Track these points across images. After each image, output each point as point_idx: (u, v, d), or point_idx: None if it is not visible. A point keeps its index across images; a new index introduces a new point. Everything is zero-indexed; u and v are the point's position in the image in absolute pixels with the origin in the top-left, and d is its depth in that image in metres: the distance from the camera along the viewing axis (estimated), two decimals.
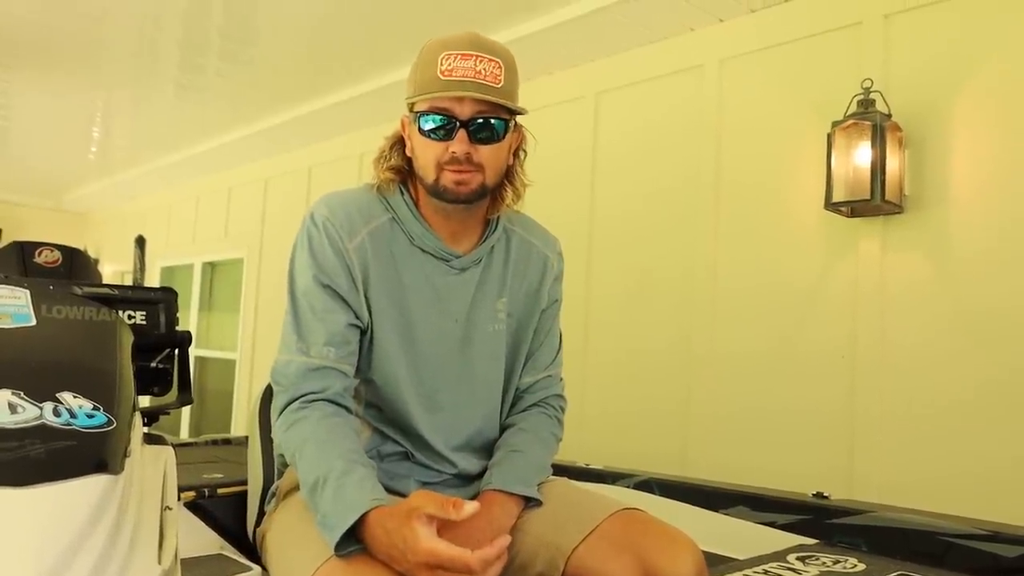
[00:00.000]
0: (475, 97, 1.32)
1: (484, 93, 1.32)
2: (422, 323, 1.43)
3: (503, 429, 1.56)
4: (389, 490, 1.41)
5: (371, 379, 1.42)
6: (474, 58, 1.33)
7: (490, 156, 1.37)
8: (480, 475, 1.48)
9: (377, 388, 1.43)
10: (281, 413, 1.34)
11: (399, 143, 1.45)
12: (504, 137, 1.39)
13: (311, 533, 1.22)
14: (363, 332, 1.41)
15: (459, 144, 1.33)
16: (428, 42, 1.37)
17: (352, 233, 1.38)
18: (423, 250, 1.43)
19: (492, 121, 1.36)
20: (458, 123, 1.33)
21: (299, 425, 1.31)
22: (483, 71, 1.33)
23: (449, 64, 1.32)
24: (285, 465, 1.50)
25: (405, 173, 1.45)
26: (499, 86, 1.34)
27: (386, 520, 1.14)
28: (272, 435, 1.41)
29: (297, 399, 1.33)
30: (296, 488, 1.40)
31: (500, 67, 1.35)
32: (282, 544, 1.36)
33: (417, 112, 1.35)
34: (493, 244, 1.51)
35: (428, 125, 1.34)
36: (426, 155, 1.36)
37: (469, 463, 1.50)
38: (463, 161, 1.34)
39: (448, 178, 1.35)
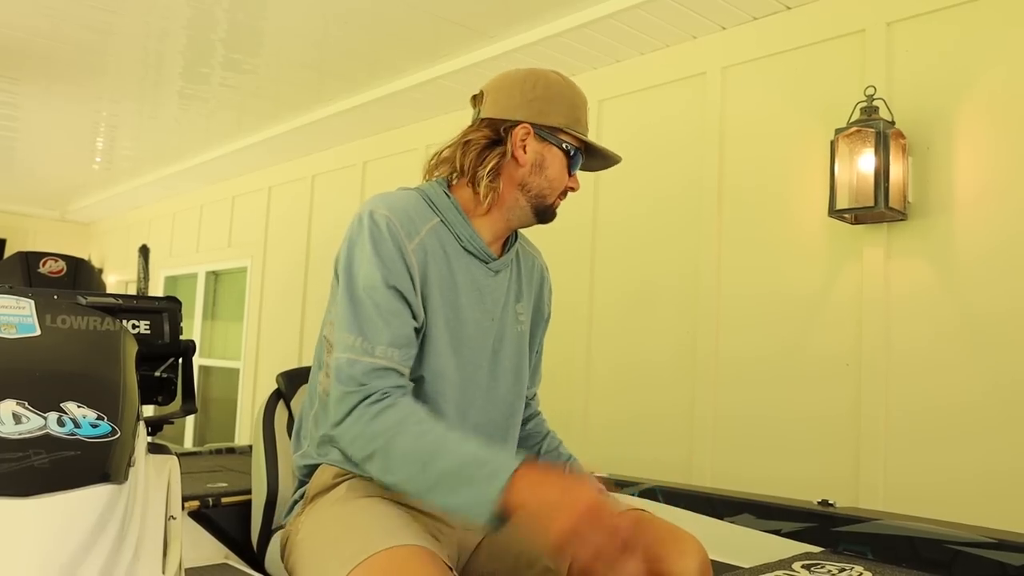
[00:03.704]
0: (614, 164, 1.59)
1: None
2: (470, 321, 1.47)
3: (524, 437, 1.67)
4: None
5: (420, 376, 1.44)
6: None
7: None
8: None
9: (422, 385, 1.44)
10: (353, 410, 1.31)
11: (491, 148, 1.48)
12: None
13: (349, 532, 1.25)
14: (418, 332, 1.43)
15: (576, 181, 1.55)
16: (564, 78, 1.54)
17: (411, 234, 1.41)
18: (468, 251, 1.49)
19: None
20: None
21: (387, 412, 1.29)
22: None
23: (586, 118, 1.56)
24: (306, 474, 1.49)
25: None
26: None
27: (542, 468, 1.20)
28: (331, 435, 1.35)
29: (372, 395, 1.31)
30: (324, 491, 1.41)
31: None
32: (316, 545, 1.34)
33: (565, 140, 1.50)
34: (516, 251, 1.60)
35: (576, 158, 1.52)
36: (559, 177, 1.51)
37: None
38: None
39: (558, 204, 1.54)
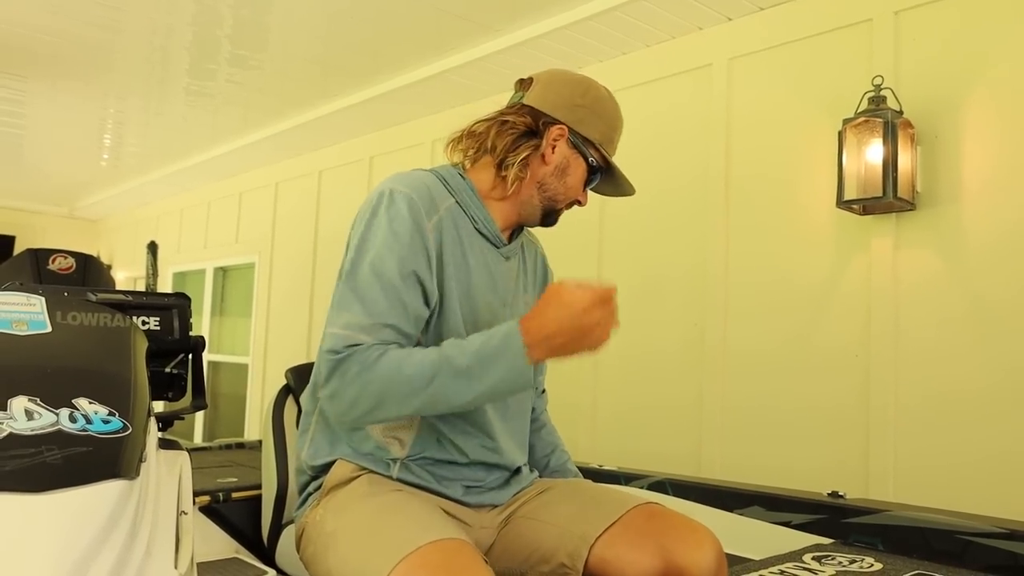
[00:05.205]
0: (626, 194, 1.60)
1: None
2: (483, 306, 1.47)
3: (533, 446, 1.70)
4: (436, 493, 1.42)
5: None
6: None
7: None
8: (516, 469, 1.54)
9: None
10: (347, 373, 1.28)
11: (526, 138, 1.48)
12: None
13: (387, 527, 1.25)
14: (430, 313, 1.41)
15: (587, 197, 1.56)
16: (612, 99, 1.55)
17: (431, 211, 1.41)
18: (481, 234, 1.49)
19: None
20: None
21: (384, 358, 1.27)
22: None
23: (617, 142, 1.57)
24: (319, 471, 1.48)
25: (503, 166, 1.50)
26: None
27: (537, 314, 1.26)
28: (326, 397, 1.31)
29: (363, 346, 1.28)
30: (342, 484, 1.40)
31: None
32: (352, 540, 1.30)
33: (592, 155, 1.51)
34: (523, 240, 1.61)
35: (595, 173, 1.53)
36: (576, 187, 1.53)
37: (512, 452, 1.53)
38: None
39: (563, 212, 1.56)
